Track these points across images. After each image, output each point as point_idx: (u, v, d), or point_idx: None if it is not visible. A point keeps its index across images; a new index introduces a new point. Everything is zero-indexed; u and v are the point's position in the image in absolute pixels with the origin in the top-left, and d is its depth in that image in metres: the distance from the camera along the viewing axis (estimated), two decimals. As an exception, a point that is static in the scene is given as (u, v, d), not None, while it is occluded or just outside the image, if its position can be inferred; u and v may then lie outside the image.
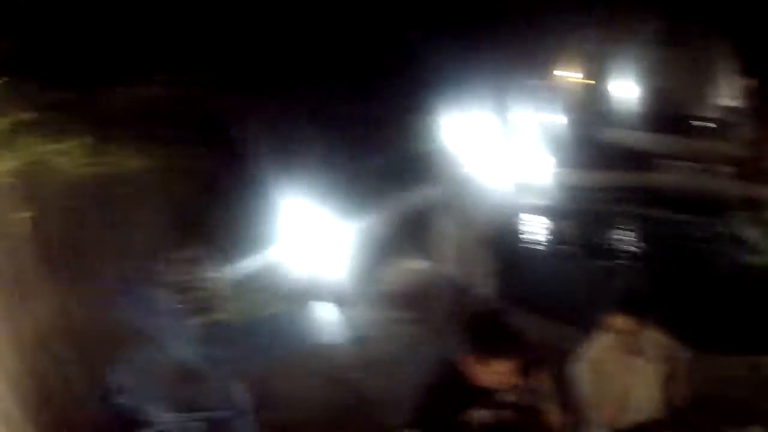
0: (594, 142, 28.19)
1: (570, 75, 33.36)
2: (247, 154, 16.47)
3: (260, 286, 10.80)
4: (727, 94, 32.83)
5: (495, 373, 4.09)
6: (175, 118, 10.55)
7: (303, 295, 10.03)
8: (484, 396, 4.22)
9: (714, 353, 9.00)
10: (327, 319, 7.74)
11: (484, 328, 4.24)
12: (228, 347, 6.69)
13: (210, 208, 15.27)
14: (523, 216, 18.26)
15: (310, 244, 10.04)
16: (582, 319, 5.45)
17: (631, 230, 17.55)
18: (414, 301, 8.36)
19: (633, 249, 16.31)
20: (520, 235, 16.93)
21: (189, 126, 11.42)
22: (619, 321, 4.90)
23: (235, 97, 18.50)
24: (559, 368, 4.98)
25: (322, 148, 18.74)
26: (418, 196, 7.94)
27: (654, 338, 5.15)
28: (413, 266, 8.36)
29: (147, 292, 7.39)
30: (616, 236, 16.93)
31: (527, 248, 16.21)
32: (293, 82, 20.63)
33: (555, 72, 33.28)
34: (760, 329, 10.59)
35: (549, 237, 17.10)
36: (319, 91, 21.21)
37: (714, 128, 30.50)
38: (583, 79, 33.91)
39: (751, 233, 15.79)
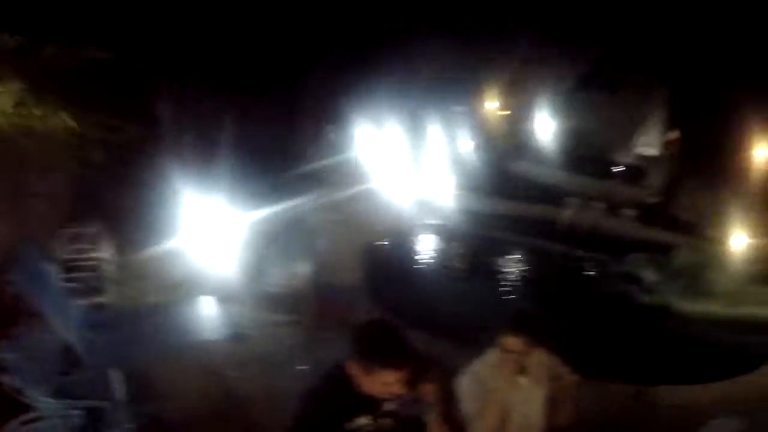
0: (502, 172, 28.51)
1: (490, 105, 33.59)
2: (161, 140, 16.42)
3: (150, 274, 10.69)
4: (647, 142, 33.54)
5: (381, 383, 4.08)
6: (103, 86, 10.39)
7: (191, 288, 10.04)
8: (370, 404, 4.21)
9: (604, 381, 9.46)
10: (211, 314, 7.70)
11: (373, 337, 4.19)
12: (110, 333, 6.63)
13: (114, 186, 15.13)
14: (418, 234, 18.10)
15: (204, 239, 10.01)
16: (467, 337, 5.49)
17: (526, 259, 17.59)
18: (298, 304, 8.26)
19: (524, 277, 16.45)
20: (414, 252, 16.73)
21: (114, 97, 11.27)
22: (510, 341, 4.98)
23: (164, 82, 18.47)
24: (446, 382, 4.94)
25: (233, 148, 18.68)
26: (313, 202, 7.89)
27: (541, 360, 5.26)
28: (300, 270, 8.28)
29: (38, 265, 7.31)
30: (510, 263, 16.99)
31: (419, 265, 16.18)
32: (218, 79, 20.58)
33: (475, 100, 33.52)
34: (647, 361, 11.06)
35: (441, 256, 17.02)
36: (242, 92, 21.18)
37: (626, 173, 31.11)
38: (501, 110, 34.16)
39: (647, 274, 16.15)
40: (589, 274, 17.34)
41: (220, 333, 7.27)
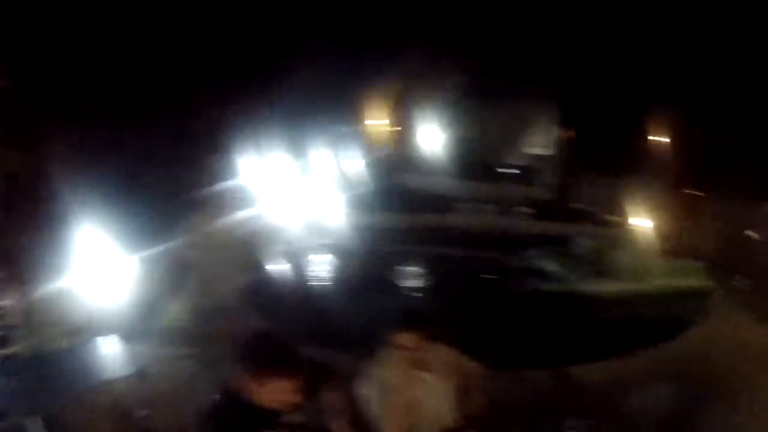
0: (393, 187, 28.65)
1: (376, 122, 33.73)
2: (48, 173, 15.96)
3: (54, 319, 10.37)
4: (539, 142, 34.13)
5: (275, 393, 4.07)
6: None
7: (94, 329, 9.74)
8: (271, 419, 4.17)
9: (521, 369, 9.65)
10: (115, 354, 7.50)
11: (258, 348, 4.22)
12: (21, 381, 6.41)
13: (6, 226, 14.58)
14: (313, 254, 17.99)
15: (101, 277, 9.74)
16: (368, 348, 5.54)
17: (425, 267, 17.58)
18: (195, 336, 8.11)
19: (423, 283, 16.45)
20: (310, 273, 16.63)
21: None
22: (402, 338, 5.03)
23: (47, 113, 18.03)
24: (348, 389, 5.08)
25: (119, 179, 18.32)
26: (204, 232, 7.75)
27: (440, 354, 5.28)
28: (194, 302, 8.13)
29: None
30: (407, 273, 16.94)
31: (316, 285, 16.14)
32: (101, 109, 20.22)
33: (361, 118, 33.66)
34: (563, 346, 11.18)
35: (338, 275, 16.94)
36: (125, 123, 20.85)
37: (519, 174, 31.63)
38: (388, 126, 34.34)
39: (548, 265, 16.61)
40: (490, 274, 17.33)
41: (124, 371, 7.08)
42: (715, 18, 20.79)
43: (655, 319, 13.51)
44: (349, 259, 17.75)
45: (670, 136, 21.95)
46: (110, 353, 7.65)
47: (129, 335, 9.35)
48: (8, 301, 9.63)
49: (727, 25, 20.58)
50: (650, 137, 22.62)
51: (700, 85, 20.52)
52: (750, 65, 20.26)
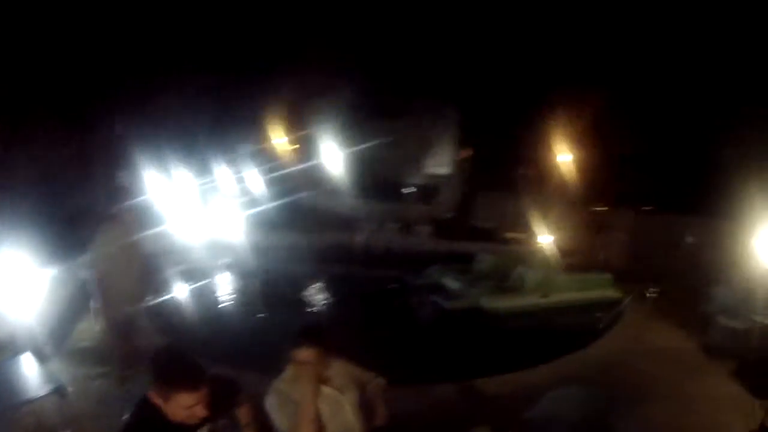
0: (294, 206, 28.64)
1: (276, 140, 33.72)
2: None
3: None
4: (438, 162, 34.41)
5: (182, 407, 4.07)
6: None
7: (9, 346, 9.55)
8: None
9: (425, 384, 9.68)
10: (30, 372, 7.36)
11: (161, 363, 4.27)
12: None
13: None
14: (216, 272, 18.00)
15: (14, 292, 9.52)
16: (271, 365, 5.60)
17: (327, 287, 17.61)
18: (106, 355, 8.05)
19: (323, 301, 16.43)
20: (213, 291, 16.55)
21: None
22: (301, 353, 5.15)
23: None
24: (256, 404, 5.16)
25: (32, 192, 17.99)
26: (108, 250, 7.66)
27: (341, 368, 5.46)
28: (102, 321, 8.08)
29: None
30: (310, 292, 16.94)
31: (219, 303, 16.01)
32: (13, 122, 19.85)
33: (261, 137, 33.58)
34: (467, 360, 11.38)
35: (238, 293, 16.88)
36: (36, 134, 20.49)
37: (418, 193, 31.84)
38: (288, 144, 34.32)
39: (449, 282, 16.53)
40: (391, 291, 17.40)
41: (42, 390, 6.97)
42: (618, 24, 21.37)
43: (563, 329, 13.95)
44: (251, 277, 17.67)
45: (571, 152, 22.30)
46: (29, 373, 7.48)
47: (44, 354, 9.09)
48: None
49: (630, 31, 21.18)
50: (551, 153, 22.95)
51: (601, 99, 20.93)
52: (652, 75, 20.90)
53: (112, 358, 7.98)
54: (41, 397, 6.90)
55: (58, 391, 6.98)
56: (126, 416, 4.31)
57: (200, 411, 4.09)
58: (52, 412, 7.27)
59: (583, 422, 6.31)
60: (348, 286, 17.80)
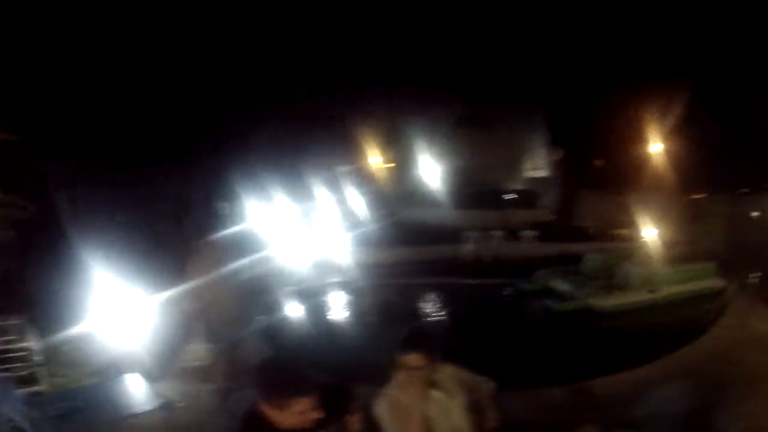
0: (397, 222, 28.78)
1: (376, 161, 33.96)
2: (61, 219, 16.21)
3: (78, 359, 10.56)
4: (535, 165, 34.31)
5: (296, 413, 4.08)
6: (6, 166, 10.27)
7: (115, 367, 9.89)
8: None
9: (537, 387, 9.59)
10: (139, 390, 7.61)
11: (269, 372, 4.26)
12: (51, 411, 6.52)
13: (26, 271, 14.78)
14: (325, 292, 18.30)
15: (121, 318, 9.89)
16: (382, 374, 5.45)
17: (435, 296, 17.66)
18: (214, 373, 8.24)
19: (435, 311, 16.48)
20: (321, 310, 16.69)
21: (10, 176, 11.10)
22: (409, 358, 5.03)
23: (62, 162, 18.27)
24: (366, 411, 5.07)
25: (136, 225, 18.48)
26: (217, 275, 7.86)
27: (451, 373, 5.33)
28: (213, 341, 8.29)
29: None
30: (423, 305, 16.98)
31: (328, 320, 16.13)
32: (116, 159, 20.45)
33: (361, 158, 33.83)
34: (578, 361, 11.22)
35: (352, 310, 17.01)
36: (139, 170, 21.06)
37: (519, 198, 31.75)
38: (387, 164, 34.53)
39: (558, 285, 16.45)
40: (502, 297, 17.38)
41: (149, 405, 7.19)
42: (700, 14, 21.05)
43: (670, 324, 13.52)
44: (361, 294, 17.81)
45: (662, 142, 22.00)
46: (136, 391, 7.76)
47: (153, 374, 9.55)
48: (32, 343, 9.83)
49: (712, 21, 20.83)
50: (642, 147, 22.66)
51: (689, 87, 20.61)
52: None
53: (218, 375, 8.15)
54: (146, 412, 7.10)
55: (165, 407, 7.17)
56: (237, 425, 4.36)
57: (312, 415, 4.12)
58: (158, 425, 7.51)
59: (688, 419, 6.23)
60: (458, 296, 17.90)
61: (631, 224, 18.52)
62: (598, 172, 24.62)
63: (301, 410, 4.06)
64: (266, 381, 4.15)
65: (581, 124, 24.18)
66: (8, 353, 9.59)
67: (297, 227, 23.32)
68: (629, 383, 9.31)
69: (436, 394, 5.17)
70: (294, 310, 15.62)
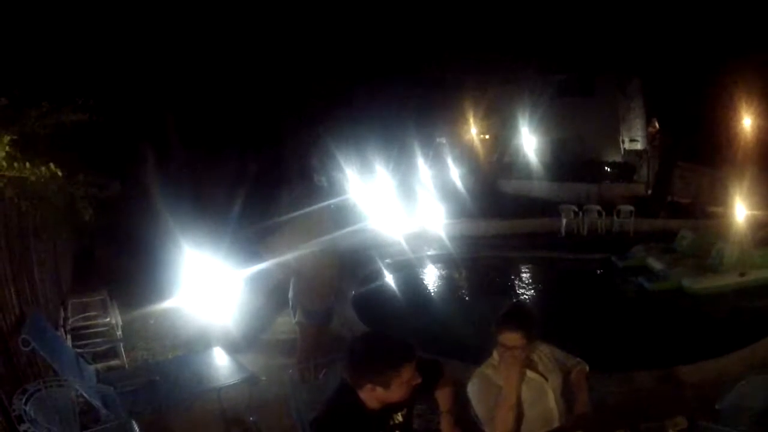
0: (494, 193, 28.75)
1: (473, 132, 33.91)
2: (153, 198, 16.67)
3: (158, 335, 10.90)
4: (631, 137, 33.88)
5: (401, 386, 4.05)
6: (84, 146, 10.61)
7: (199, 341, 10.20)
8: (381, 419, 4.22)
9: (627, 370, 9.44)
10: (222, 363, 7.78)
11: (377, 346, 4.20)
12: (126, 387, 6.70)
13: (107, 247, 15.29)
14: (421, 264, 18.39)
15: (207, 293, 10.17)
16: (476, 349, 5.51)
17: (531, 270, 17.79)
18: (303, 348, 8.32)
19: (530, 286, 16.56)
20: (416, 284, 16.86)
21: (95, 156, 11.50)
22: (506, 336, 4.94)
23: (152, 142, 18.77)
24: (456, 389, 5.00)
25: (225, 202, 18.84)
26: (315, 246, 7.94)
27: (545, 352, 5.26)
28: (301, 314, 8.38)
29: (47, 329, 7.37)
30: (518, 278, 17.04)
31: (424, 293, 16.16)
32: (206, 138, 20.86)
33: (456, 129, 33.81)
34: (668, 344, 11.18)
35: (446, 282, 17.23)
36: (229, 149, 21.44)
37: (616, 171, 31.43)
38: (485, 135, 34.48)
39: (653, 263, 16.32)
40: (598, 274, 17.37)
41: (232, 379, 7.31)
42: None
43: (757, 310, 13.36)
44: (457, 267, 17.90)
45: (757, 120, 21.60)
46: (219, 363, 7.86)
47: (237, 347, 9.73)
48: (113, 319, 10.12)
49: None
50: (741, 122, 22.28)
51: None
52: None
53: (306, 349, 8.24)
54: (229, 385, 7.20)
55: (249, 380, 7.26)
56: (328, 399, 4.35)
57: (416, 378, 4.09)
58: (240, 399, 7.66)
59: None
60: (554, 270, 18.01)
61: (726, 201, 18.26)
62: (696, 145, 24.28)
63: (407, 379, 4.04)
64: (371, 359, 4.08)
65: (680, 96, 23.79)
66: (89, 329, 9.93)
67: (394, 199, 23.47)
68: (714, 371, 9.20)
69: (531, 374, 5.08)
70: (389, 283, 15.75)
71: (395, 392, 4.05)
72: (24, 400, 5.31)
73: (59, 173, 6.76)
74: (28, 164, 6.19)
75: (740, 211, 16.86)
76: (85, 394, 6.51)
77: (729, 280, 14.72)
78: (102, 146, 13.65)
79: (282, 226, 8.31)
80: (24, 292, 7.65)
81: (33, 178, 6.35)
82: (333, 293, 8.59)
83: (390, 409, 4.22)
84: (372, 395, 4.07)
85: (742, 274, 14.79)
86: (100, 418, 6.36)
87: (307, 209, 8.17)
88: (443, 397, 4.82)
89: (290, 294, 8.22)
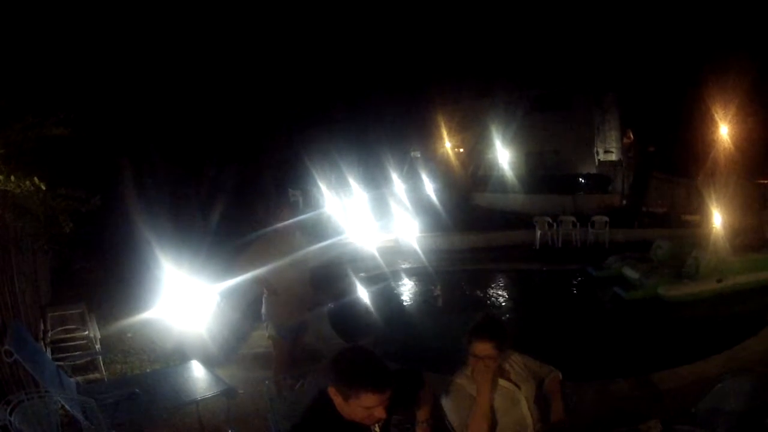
0: (467, 207, 28.88)
1: (447, 146, 34.03)
2: (132, 213, 16.69)
3: (137, 346, 10.94)
4: (605, 149, 34.12)
5: (361, 407, 4.01)
6: (66, 160, 10.66)
7: (177, 354, 10.24)
8: (360, 430, 4.17)
9: (603, 377, 9.56)
10: (200, 376, 7.82)
11: (347, 362, 4.15)
12: (107, 398, 6.73)
13: (87, 261, 15.29)
14: (397, 277, 18.54)
15: (184, 307, 10.21)
16: (451, 362, 5.57)
17: (505, 282, 17.86)
18: (279, 361, 8.36)
19: (509, 299, 16.47)
20: (392, 295, 16.92)
21: (76, 170, 11.55)
22: (477, 346, 5.07)
23: (132, 158, 18.76)
24: (434, 401, 4.89)
25: (203, 216, 18.90)
26: (288, 260, 7.98)
27: (518, 361, 5.39)
28: (280, 326, 8.41)
29: (28, 341, 7.39)
30: (492, 289, 17.09)
31: (398, 305, 16.21)
32: (185, 153, 20.87)
33: (430, 143, 33.92)
34: (644, 351, 11.26)
35: (417, 295, 17.27)
36: (207, 164, 21.50)
37: (591, 182, 31.62)
38: (459, 149, 34.60)
39: (628, 272, 16.44)
40: (573, 284, 17.46)
41: (210, 392, 7.35)
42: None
43: (735, 315, 13.60)
44: (432, 280, 17.94)
45: (734, 128, 21.81)
46: (197, 376, 7.89)
47: (215, 360, 9.84)
48: (92, 332, 10.14)
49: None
50: (713, 131, 22.46)
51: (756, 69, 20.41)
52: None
53: (282, 362, 8.27)
54: (208, 398, 7.24)
55: (227, 393, 7.31)
56: (305, 409, 4.34)
57: (380, 413, 4.02)
58: (219, 411, 7.79)
59: (749, 414, 6.23)
60: (529, 282, 18.20)
61: (701, 210, 18.40)
62: (669, 156, 24.49)
63: (369, 405, 3.97)
64: (339, 367, 4.06)
65: (655, 109, 24.02)
66: (68, 342, 10.03)
67: (368, 213, 23.57)
68: (691, 376, 9.34)
69: (503, 383, 5.19)
70: (364, 296, 15.79)
71: (351, 410, 4.03)
72: (9, 411, 5.35)
73: (42, 186, 6.79)
74: (12, 177, 6.22)
75: (717, 218, 16.99)
76: (66, 406, 6.57)
77: (706, 286, 14.85)
78: (83, 160, 13.71)
79: (255, 241, 8.37)
80: (5, 302, 7.66)
81: (17, 191, 6.37)
82: (306, 308, 8.64)
83: (370, 421, 4.16)
84: (336, 400, 4.07)
85: (719, 281, 14.91)
86: (82, 429, 6.40)
87: (280, 225, 8.21)
88: (421, 407, 4.75)
89: (263, 309, 8.28)
